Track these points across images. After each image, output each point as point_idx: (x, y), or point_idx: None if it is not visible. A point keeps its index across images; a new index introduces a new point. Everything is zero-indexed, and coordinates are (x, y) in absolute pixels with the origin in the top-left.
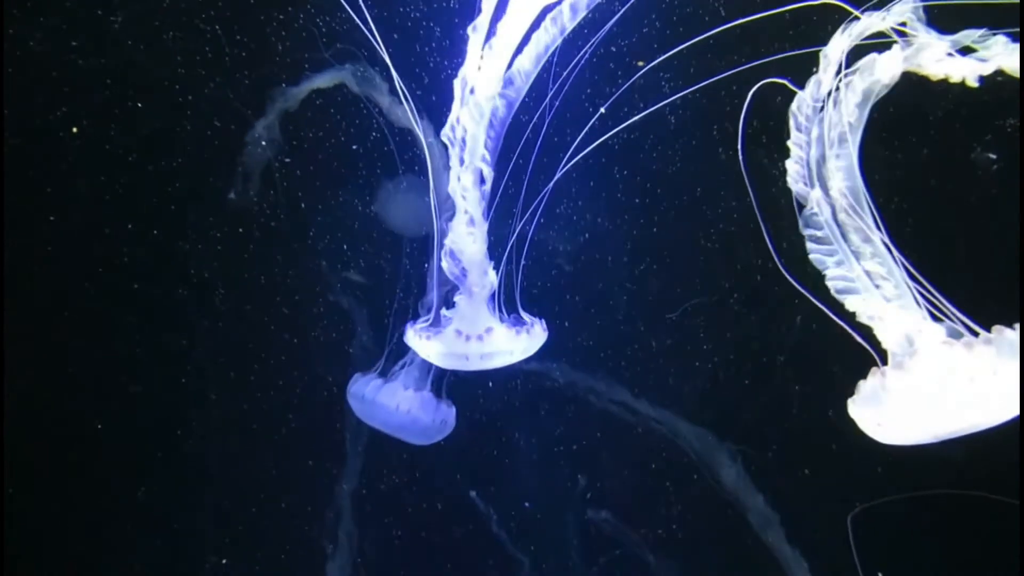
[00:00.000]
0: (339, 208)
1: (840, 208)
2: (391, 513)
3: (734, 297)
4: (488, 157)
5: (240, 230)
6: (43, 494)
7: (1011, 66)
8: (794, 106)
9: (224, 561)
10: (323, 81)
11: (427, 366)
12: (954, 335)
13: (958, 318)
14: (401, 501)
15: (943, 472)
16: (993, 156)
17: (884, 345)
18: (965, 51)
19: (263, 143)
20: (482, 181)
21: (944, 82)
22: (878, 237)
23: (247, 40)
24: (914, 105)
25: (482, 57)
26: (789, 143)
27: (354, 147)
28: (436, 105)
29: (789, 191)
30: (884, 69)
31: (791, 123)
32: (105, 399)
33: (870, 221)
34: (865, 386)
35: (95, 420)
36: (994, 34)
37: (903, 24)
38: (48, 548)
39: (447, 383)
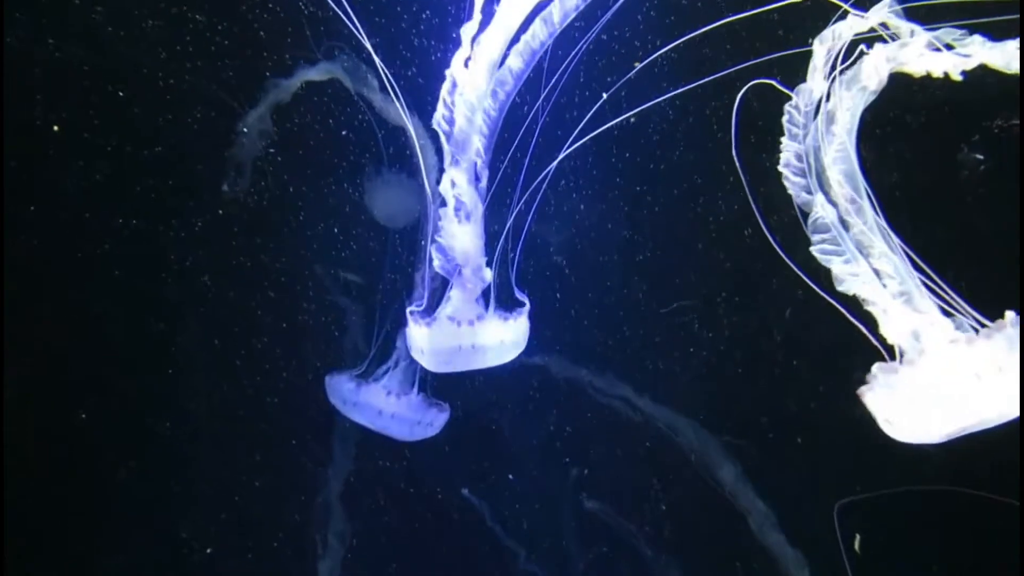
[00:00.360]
0: (332, 197)
1: (844, 211)
2: (383, 504)
3: (726, 293)
4: (483, 154)
5: (228, 217)
6: (30, 488)
7: (994, 61)
8: (785, 117)
9: (209, 551)
10: (316, 74)
11: (413, 367)
12: (962, 330)
13: (967, 312)
14: (394, 491)
15: (943, 470)
16: (980, 156)
17: (890, 340)
18: (948, 48)
19: (245, 132)
20: (477, 179)
21: (928, 77)
22: (881, 236)
23: (231, 27)
24: (906, 104)
25: (472, 57)
26: (784, 153)
27: (344, 132)
28: (426, 91)
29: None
30: (869, 75)
31: (785, 134)
32: (91, 389)
33: (872, 222)
34: (874, 383)
35: (79, 409)
36: (972, 33)
37: (884, 26)
38: (39, 544)
39: (437, 382)
